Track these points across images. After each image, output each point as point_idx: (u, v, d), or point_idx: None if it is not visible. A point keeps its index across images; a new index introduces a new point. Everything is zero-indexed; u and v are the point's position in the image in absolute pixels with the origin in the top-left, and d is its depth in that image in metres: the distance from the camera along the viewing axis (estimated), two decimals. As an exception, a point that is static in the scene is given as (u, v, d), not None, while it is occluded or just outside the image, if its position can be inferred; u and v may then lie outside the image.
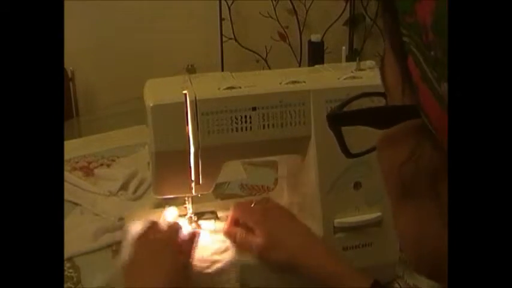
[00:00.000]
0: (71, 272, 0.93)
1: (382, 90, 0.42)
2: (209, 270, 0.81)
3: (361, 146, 0.46)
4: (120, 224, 1.00)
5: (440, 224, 0.36)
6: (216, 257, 0.82)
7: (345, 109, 0.48)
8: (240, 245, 0.83)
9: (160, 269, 0.74)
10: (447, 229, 0.32)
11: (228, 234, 0.85)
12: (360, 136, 0.42)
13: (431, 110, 0.34)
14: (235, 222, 0.86)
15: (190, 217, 0.89)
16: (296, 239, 0.81)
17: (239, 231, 0.84)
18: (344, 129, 0.46)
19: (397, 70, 0.38)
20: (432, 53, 0.34)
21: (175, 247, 0.79)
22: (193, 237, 0.83)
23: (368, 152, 0.44)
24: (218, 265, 0.82)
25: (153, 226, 0.82)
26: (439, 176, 0.36)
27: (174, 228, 0.83)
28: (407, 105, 0.37)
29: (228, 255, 0.83)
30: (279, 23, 2.47)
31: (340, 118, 0.45)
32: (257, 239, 0.81)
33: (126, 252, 0.80)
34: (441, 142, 0.34)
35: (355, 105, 0.49)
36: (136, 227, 0.84)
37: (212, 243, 0.85)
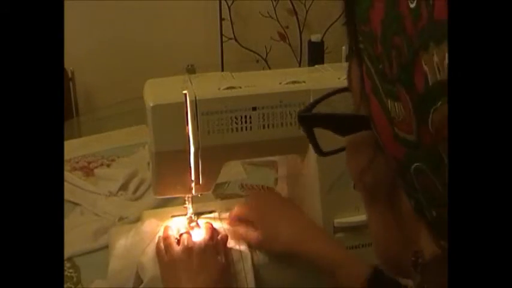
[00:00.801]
0: (71, 272, 0.93)
1: None
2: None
3: (335, 144, 0.46)
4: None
5: (397, 230, 0.37)
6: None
7: (317, 108, 0.48)
8: (243, 240, 0.85)
9: (205, 272, 0.77)
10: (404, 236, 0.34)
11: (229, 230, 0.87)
12: (333, 134, 0.42)
13: (380, 122, 0.36)
14: (237, 219, 0.88)
15: (191, 217, 0.89)
16: (292, 228, 0.81)
17: (239, 227, 0.85)
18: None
19: (358, 75, 0.38)
20: (380, 66, 0.34)
21: (213, 249, 0.81)
22: (225, 238, 0.84)
23: (341, 150, 0.45)
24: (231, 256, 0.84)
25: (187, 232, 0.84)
26: (392, 186, 0.37)
27: (208, 231, 0.84)
28: (364, 116, 0.37)
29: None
30: (279, 23, 2.47)
31: (307, 120, 0.45)
32: (255, 233, 0.82)
33: (149, 251, 0.83)
34: (389, 153, 0.35)
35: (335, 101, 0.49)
36: (153, 226, 0.86)
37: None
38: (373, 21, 0.35)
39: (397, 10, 0.33)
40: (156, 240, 0.84)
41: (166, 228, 0.85)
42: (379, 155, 0.37)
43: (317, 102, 0.49)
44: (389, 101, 0.34)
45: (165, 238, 0.83)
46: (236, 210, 0.88)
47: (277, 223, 0.83)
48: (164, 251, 0.81)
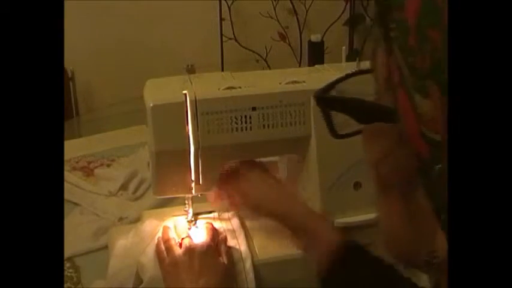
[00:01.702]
0: (71, 272, 0.92)
1: None
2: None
3: (350, 126, 0.44)
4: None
5: (410, 226, 0.36)
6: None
7: (336, 90, 0.46)
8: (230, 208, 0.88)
9: (207, 274, 0.77)
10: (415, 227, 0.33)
11: (215, 204, 0.88)
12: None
13: (406, 116, 0.34)
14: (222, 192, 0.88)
15: (191, 219, 0.89)
16: (261, 191, 0.82)
17: (222, 198, 0.86)
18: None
19: (385, 62, 0.37)
20: (412, 58, 0.33)
21: (215, 251, 0.81)
22: (225, 238, 0.84)
23: (356, 133, 0.44)
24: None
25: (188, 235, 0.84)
26: (409, 182, 0.36)
27: (209, 232, 0.84)
28: (389, 108, 0.36)
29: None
30: (279, 23, 2.47)
31: (326, 101, 0.44)
32: (233, 201, 0.85)
33: (149, 251, 0.82)
34: (412, 149, 0.34)
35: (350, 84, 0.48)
36: (153, 226, 0.86)
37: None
38: (408, 9, 0.33)
39: (435, 1, 0.31)
40: (156, 241, 0.84)
41: (165, 230, 0.85)
42: (399, 148, 0.36)
43: (335, 83, 0.47)
44: (417, 97, 0.32)
45: (166, 240, 0.82)
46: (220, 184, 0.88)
47: (246, 188, 0.83)
48: (165, 253, 0.81)
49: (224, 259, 0.80)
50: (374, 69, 0.39)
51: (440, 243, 0.36)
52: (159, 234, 0.86)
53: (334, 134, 0.46)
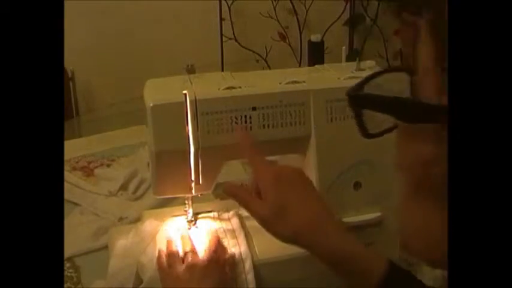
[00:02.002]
0: (71, 272, 0.93)
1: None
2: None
3: (379, 125, 0.42)
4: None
5: (440, 225, 0.35)
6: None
7: (367, 89, 0.44)
8: (243, 206, 0.74)
9: (212, 282, 0.76)
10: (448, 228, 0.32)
11: (230, 191, 0.75)
12: (377, 115, 0.39)
13: None
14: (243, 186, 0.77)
15: (191, 220, 0.89)
16: (305, 213, 0.71)
17: (243, 192, 0.74)
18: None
19: (433, 51, 0.34)
20: None
21: (217, 263, 0.79)
22: (224, 248, 0.83)
23: (386, 132, 0.41)
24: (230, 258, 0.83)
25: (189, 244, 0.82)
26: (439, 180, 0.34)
27: (212, 244, 0.82)
28: (439, 107, 0.33)
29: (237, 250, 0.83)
30: (279, 23, 2.47)
31: (361, 100, 0.41)
32: (262, 206, 0.71)
33: (149, 251, 0.82)
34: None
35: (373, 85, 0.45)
36: (153, 226, 0.86)
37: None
38: None
39: None
40: (157, 252, 0.82)
41: (169, 244, 0.82)
42: (440, 150, 0.34)
43: (366, 81, 0.45)
44: None
45: (169, 255, 0.81)
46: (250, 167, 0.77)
47: (288, 203, 0.70)
48: (168, 268, 0.79)
49: (227, 270, 0.80)
50: (416, 59, 0.37)
51: None
52: (160, 235, 0.85)
53: (365, 133, 0.44)
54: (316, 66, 0.91)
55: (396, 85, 0.42)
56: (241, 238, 0.86)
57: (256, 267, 0.83)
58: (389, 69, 0.46)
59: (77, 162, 1.27)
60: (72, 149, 1.30)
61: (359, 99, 0.42)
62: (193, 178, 0.82)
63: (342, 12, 2.54)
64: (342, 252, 0.69)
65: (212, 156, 0.80)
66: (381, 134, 0.44)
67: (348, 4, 2.54)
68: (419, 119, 0.36)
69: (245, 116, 0.79)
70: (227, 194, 0.75)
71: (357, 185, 0.84)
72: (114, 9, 2.25)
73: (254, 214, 0.72)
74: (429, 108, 0.35)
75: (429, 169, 0.36)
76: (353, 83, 0.79)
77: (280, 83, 0.82)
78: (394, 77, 0.44)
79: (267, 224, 0.71)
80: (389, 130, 0.41)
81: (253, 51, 2.47)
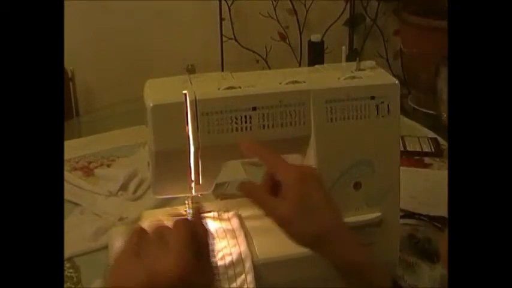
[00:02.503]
0: (71, 272, 0.93)
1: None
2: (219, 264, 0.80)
3: None
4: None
5: None
6: (226, 251, 0.82)
7: None
8: (259, 205, 0.72)
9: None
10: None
11: (245, 189, 0.74)
12: None
13: None
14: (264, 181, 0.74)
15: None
16: (328, 215, 0.70)
17: (260, 191, 0.72)
18: None
19: None
20: None
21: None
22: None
23: None
24: (228, 258, 0.81)
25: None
26: None
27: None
28: None
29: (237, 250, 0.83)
30: (279, 23, 2.47)
31: None
32: (283, 205, 0.69)
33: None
34: None
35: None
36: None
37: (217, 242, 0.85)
38: None
39: None
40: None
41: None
42: None
43: None
44: None
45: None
46: (267, 161, 0.74)
47: (314, 203, 0.69)
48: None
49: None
50: None
51: None
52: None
53: None
54: (316, 66, 0.91)
55: None
56: (241, 238, 0.86)
57: (256, 267, 0.83)
58: None
59: (77, 162, 1.27)
60: (72, 149, 1.30)
61: None
62: (193, 178, 0.82)
63: (342, 12, 2.54)
64: (353, 262, 0.69)
65: (212, 156, 0.80)
66: None
67: (348, 4, 2.54)
68: None
69: (245, 116, 0.79)
70: (242, 192, 0.73)
71: (357, 185, 0.84)
72: (114, 9, 2.25)
73: (272, 213, 0.70)
74: None
75: None
76: (353, 82, 0.79)
77: (280, 83, 0.82)
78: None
79: (287, 223, 0.69)
80: None
81: (253, 51, 2.47)
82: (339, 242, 0.70)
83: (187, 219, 0.68)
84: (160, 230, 0.62)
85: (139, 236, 0.62)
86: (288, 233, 0.69)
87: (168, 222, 0.63)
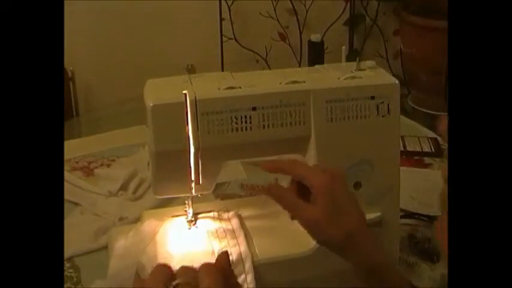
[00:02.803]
0: (71, 272, 0.93)
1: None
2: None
3: None
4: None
5: None
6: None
7: None
8: (288, 208, 0.73)
9: None
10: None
11: (275, 193, 0.74)
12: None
13: None
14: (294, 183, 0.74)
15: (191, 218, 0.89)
16: (355, 219, 0.71)
17: (290, 195, 0.73)
18: None
19: None
20: None
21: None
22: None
23: None
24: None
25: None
26: None
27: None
28: None
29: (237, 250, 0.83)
30: (279, 23, 2.47)
31: None
32: (313, 210, 0.70)
33: (149, 251, 0.81)
34: None
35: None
36: (152, 226, 0.85)
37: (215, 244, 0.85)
38: None
39: None
40: (157, 253, 0.77)
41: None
42: None
43: None
44: None
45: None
46: (292, 164, 0.75)
47: (342, 207, 0.70)
48: None
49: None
50: None
51: None
52: (161, 244, 0.82)
53: None
54: (316, 66, 0.91)
55: None
56: (241, 238, 0.86)
57: (256, 267, 0.83)
58: None
59: (77, 162, 1.27)
60: (72, 149, 1.30)
61: None
62: (193, 178, 0.82)
63: (342, 12, 2.54)
64: (375, 262, 0.70)
65: (212, 156, 0.80)
66: None
67: (348, 4, 2.54)
68: None
69: (245, 116, 0.79)
70: (271, 196, 0.74)
71: (357, 185, 0.84)
72: (114, 9, 2.25)
73: (303, 218, 0.71)
74: None
75: None
76: (353, 83, 0.79)
77: (280, 83, 0.82)
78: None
79: (317, 227, 0.70)
80: None
81: (253, 51, 2.47)
82: (363, 243, 0.71)
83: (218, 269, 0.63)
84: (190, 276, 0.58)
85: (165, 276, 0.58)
86: (316, 237, 0.71)
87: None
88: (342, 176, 0.74)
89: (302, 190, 0.73)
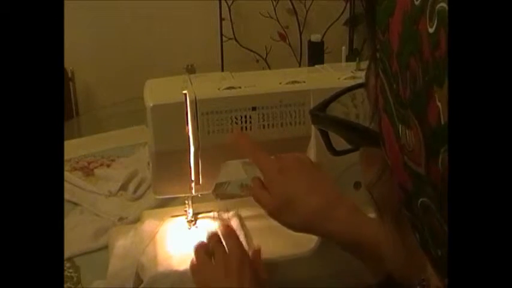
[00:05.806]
0: (71, 272, 0.92)
1: None
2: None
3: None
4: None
5: (404, 250, 0.35)
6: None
7: (330, 107, 0.45)
8: (255, 201, 0.74)
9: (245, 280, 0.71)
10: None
11: (251, 188, 0.76)
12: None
13: (390, 146, 0.32)
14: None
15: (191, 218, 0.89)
16: (313, 200, 0.69)
17: (256, 187, 0.74)
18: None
19: (373, 84, 0.34)
20: (394, 86, 0.31)
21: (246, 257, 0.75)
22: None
23: (352, 151, 0.42)
24: None
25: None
26: (399, 209, 0.34)
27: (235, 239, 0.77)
28: (377, 133, 0.34)
29: None
30: (279, 23, 2.47)
31: (318, 120, 0.42)
32: (269, 199, 0.71)
33: (149, 251, 0.82)
34: (396, 179, 0.33)
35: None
36: (152, 226, 0.85)
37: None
38: (392, 31, 0.31)
39: (416, 28, 0.29)
40: (157, 252, 0.80)
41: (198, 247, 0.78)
42: (388, 173, 0.34)
43: (331, 100, 0.45)
44: (400, 127, 0.31)
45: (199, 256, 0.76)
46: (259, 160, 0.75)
47: (294, 193, 0.70)
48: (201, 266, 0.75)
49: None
50: (366, 87, 0.37)
51: (430, 271, 0.34)
52: (161, 244, 0.84)
53: (332, 151, 0.45)
54: (316, 66, 0.91)
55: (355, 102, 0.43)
56: (241, 238, 0.86)
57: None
58: (354, 86, 0.46)
59: (77, 162, 1.27)
60: (72, 149, 1.30)
61: (318, 119, 0.42)
62: (193, 178, 0.82)
63: (342, 12, 2.54)
64: (357, 236, 0.67)
65: (212, 156, 0.80)
66: (347, 152, 0.44)
67: (348, 4, 2.54)
68: (361, 143, 0.38)
69: (245, 116, 0.79)
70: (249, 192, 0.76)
71: (357, 185, 0.84)
72: (114, 9, 2.25)
73: (263, 207, 0.72)
74: (370, 134, 0.36)
75: (374, 191, 0.37)
76: (353, 83, 0.79)
77: (280, 83, 0.82)
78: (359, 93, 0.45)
79: (275, 216, 0.71)
80: (354, 149, 0.41)
81: (253, 51, 2.47)
82: (333, 220, 0.68)
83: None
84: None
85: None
86: (280, 223, 0.71)
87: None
88: (295, 162, 0.73)
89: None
